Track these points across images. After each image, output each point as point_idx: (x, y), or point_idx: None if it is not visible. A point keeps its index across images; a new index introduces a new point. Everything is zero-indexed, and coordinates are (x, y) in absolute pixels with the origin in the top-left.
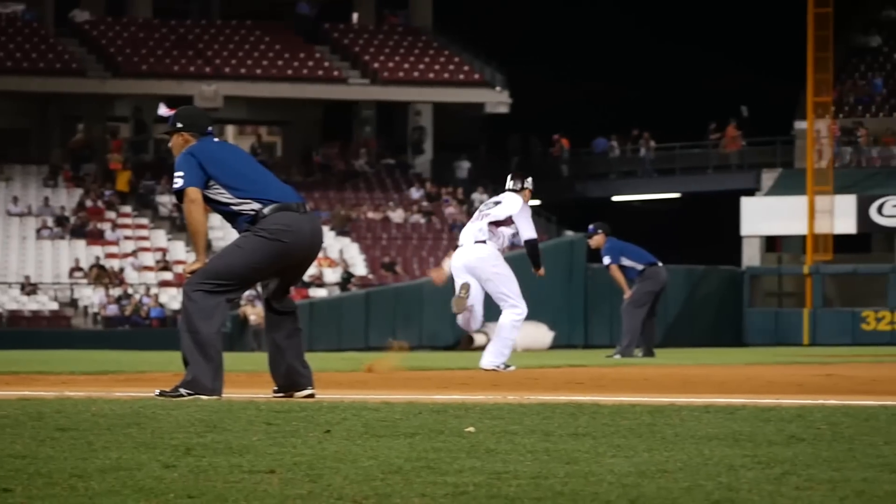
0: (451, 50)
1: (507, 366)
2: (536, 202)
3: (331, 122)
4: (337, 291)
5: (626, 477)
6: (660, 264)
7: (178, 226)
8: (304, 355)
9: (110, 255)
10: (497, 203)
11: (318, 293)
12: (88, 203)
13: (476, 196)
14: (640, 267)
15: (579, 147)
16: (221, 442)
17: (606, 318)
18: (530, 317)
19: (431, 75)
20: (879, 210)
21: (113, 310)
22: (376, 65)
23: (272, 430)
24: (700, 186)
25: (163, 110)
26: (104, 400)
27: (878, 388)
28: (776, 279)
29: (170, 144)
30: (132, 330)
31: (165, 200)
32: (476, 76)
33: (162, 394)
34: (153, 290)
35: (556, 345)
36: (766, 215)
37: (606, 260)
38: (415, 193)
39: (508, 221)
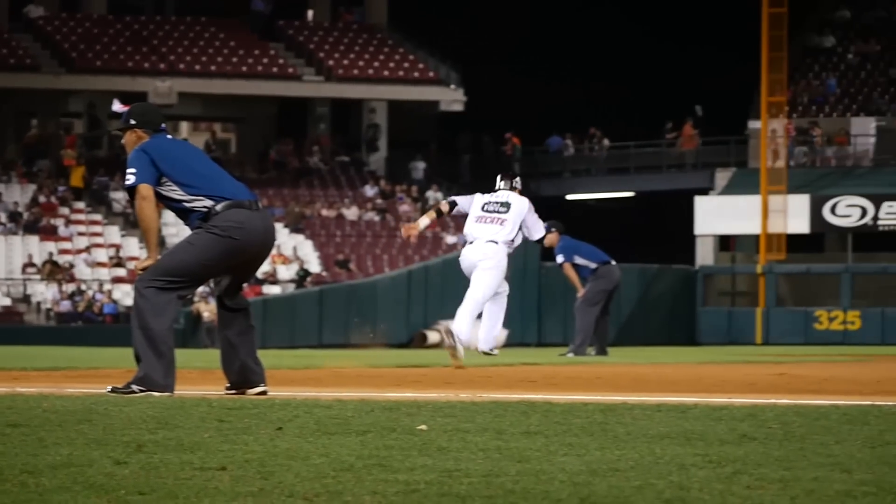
0: (406, 48)
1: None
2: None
3: (285, 120)
4: (291, 288)
5: (577, 475)
6: (613, 263)
7: (131, 222)
8: (256, 352)
9: (64, 251)
10: (506, 204)
11: (271, 290)
12: (42, 199)
13: (430, 194)
14: (593, 265)
15: (533, 145)
16: (173, 439)
17: (560, 317)
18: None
19: (386, 73)
20: (833, 210)
21: (66, 306)
22: (331, 62)
23: (224, 427)
24: (654, 185)
25: (117, 106)
26: (56, 396)
27: (829, 388)
28: (729, 278)
29: (123, 141)
30: (85, 326)
31: (119, 197)
32: (431, 74)
33: (114, 390)
34: (106, 287)
35: (509, 343)
36: (719, 214)
37: (560, 258)
38: (369, 191)
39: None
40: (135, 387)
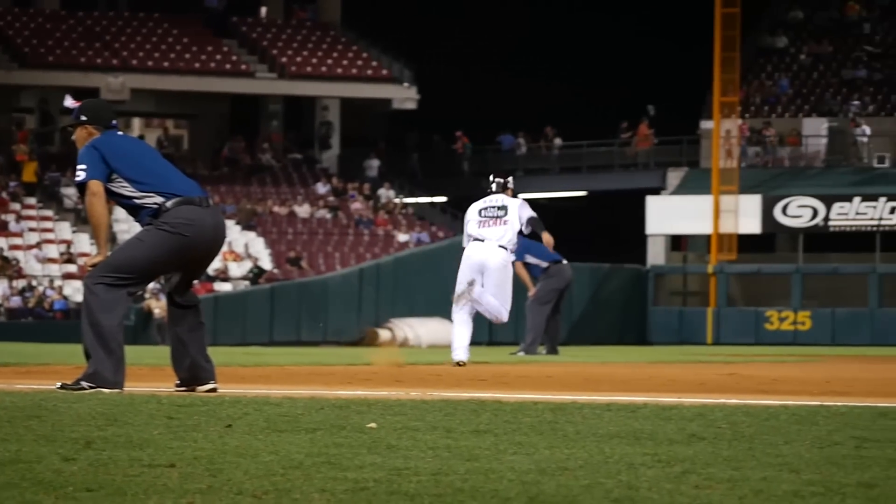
0: (360, 45)
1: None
2: (442, 198)
3: (238, 116)
4: (242, 286)
5: (526, 474)
6: (564, 262)
7: (82, 218)
8: (206, 349)
9: (14, 247)
10: (503, 207)
11: (223, 287)
12: None
13: (383, 192)
14: (544, 264)
15: (486, 144)
16: (122, 435)
17: (511, 316)
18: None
19: (339, 70)
20: (784, 210)
21: (16, 301)
22: (284, 59)
23: (173, 424)
24: (606, 185)
25: (69, 102)
26: (5, 392)
27: (779, 388)
28: (681, 278)
29: (73, 137)
30: (35, 322)
31: (71, 192)
32: (384, 72)
33: (63, 387)
34: (57, 283)
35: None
36: (671, 214)
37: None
38: (321, 188)
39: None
40: (84, 383)
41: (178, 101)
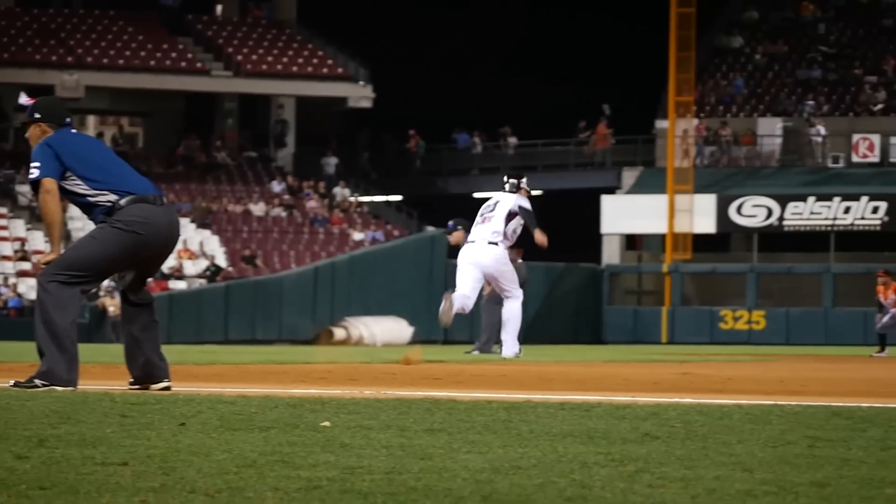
0: (315, 44)
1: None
2: (398, 197)
3: (193, 114)
4: (197, 284)
5: (479, 473)
6: (520, 261)
7: (37, 216)
8: (160, 347)
9: None
10: (494, 204)
11: (177, 285)
12: None
13: (338, 190)
14: None
15: (442, 142)
16: (75, 433)
17: (466, 315)
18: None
19: (295, 69)
20: (738, 210)
21: None
22: (239, 57)
23: (127, 423)
24: (561, 184)
25: (23, 99)
26: None
27: (733, 387)
28: (635, 277)
29: (27, 135)
30: None
31: (25, 190)
32: (339, 70)
33: (17, 384)
34: (11, 280)
35: (415, 340)
36: (626, 214)
37: None
38: (276, 187)
39: (513, 216)
40: (38, 381)
41: (133, 98)
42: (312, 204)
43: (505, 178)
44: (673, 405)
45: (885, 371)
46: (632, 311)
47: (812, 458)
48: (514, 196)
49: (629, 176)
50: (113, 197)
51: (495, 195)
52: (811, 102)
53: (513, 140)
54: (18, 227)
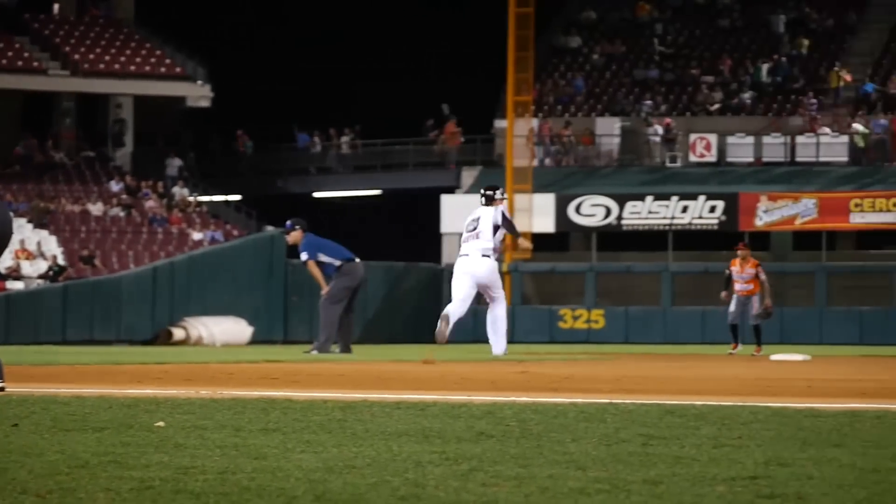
0: (153, 43)
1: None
2: (237, 197)
3: (30, 114)
4: (35, 284)
5: (313, 472)
6: (357, 260)
7: None
8: None
9: None
10: (476, 220)
11: (15, 286)
12: None
13: (177, 190)
14: (337, 263)
15: (281, 142)
16: None
17: (306, 314)
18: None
19: (132, 68)
20: (577, 209)
21: None
22: (77, 56)
23: None
24: (401, 183)
25: None
26: None
27: (569, 386)
28: None
29: None
30: None
31: None
32: (178, 70)
33: None
34: None
35: (255, 340)
36: (465, 213)
37: (304, 256)
38: (115, 186)
39: (497, 228)
40: None
41: None
42: (151, 204)
43: (481, 192)
44: (509, 404)
45: (720, 369)
46: (471, 310)
47: (645, 456)
48: (492, 209)
49: (468, 175)
50: None
51: (475, 210)
52: (648, 102)
53: (352, 139)
54: None
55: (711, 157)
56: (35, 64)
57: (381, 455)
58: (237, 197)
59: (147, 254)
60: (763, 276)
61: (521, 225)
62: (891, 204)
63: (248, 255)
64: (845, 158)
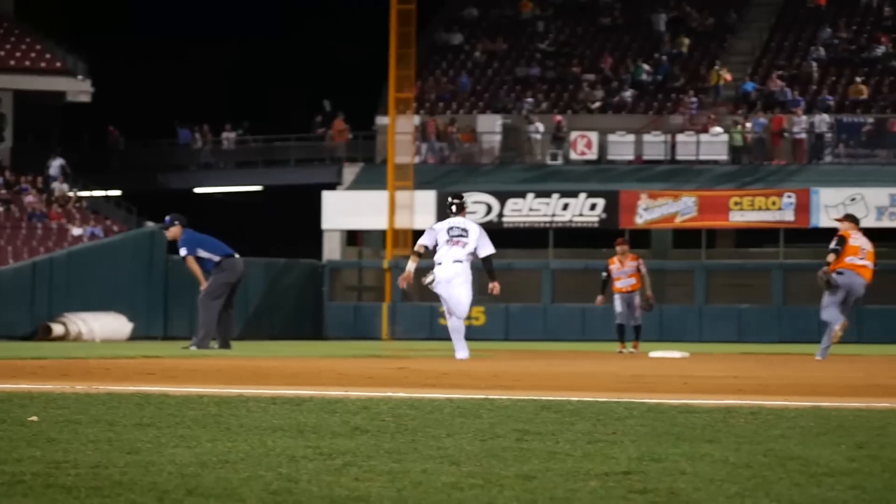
0: (33, 37)
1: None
2: (116, 192)
3: None
4: None
5: (186, 467)
6: (237, 256)
7: None
8: None
9: None
10: (465, 230)
11: None
12: None
13: (56, 185)
14: (216, 259)
15: (162, 137)
16: None
17: (187, 310)
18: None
19: (12, 62)
20: None
21: None
22: None
23: None
24: (282, 179)
25: None
26: None
27: (447, 382)
28: (356, 273)
29: None
30: None
31: None
32: (58, 64)
33: None
34: None
35: (135, 336)
36: (346, 209)
37: (183, 251)
38: None
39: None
40: None
41: None
42: (30, 199)
43: (449, 200)
44: (385, 399)
45: (597, 366)
46: (353, 307)
47: (519, 451)
48: (478, 231)
49: (350, 172)
50: None
51: (458, 220)
52: (530, 100)
53: (233, 135)
54: None
55: (592, 154)
56: None
57: (255, 450)
58: (117, 192)
59: (26, 249)
60: (644, 269)
61: (402, 221)
62: (770, 203)
63: (127, 251)
64: (725, 157)
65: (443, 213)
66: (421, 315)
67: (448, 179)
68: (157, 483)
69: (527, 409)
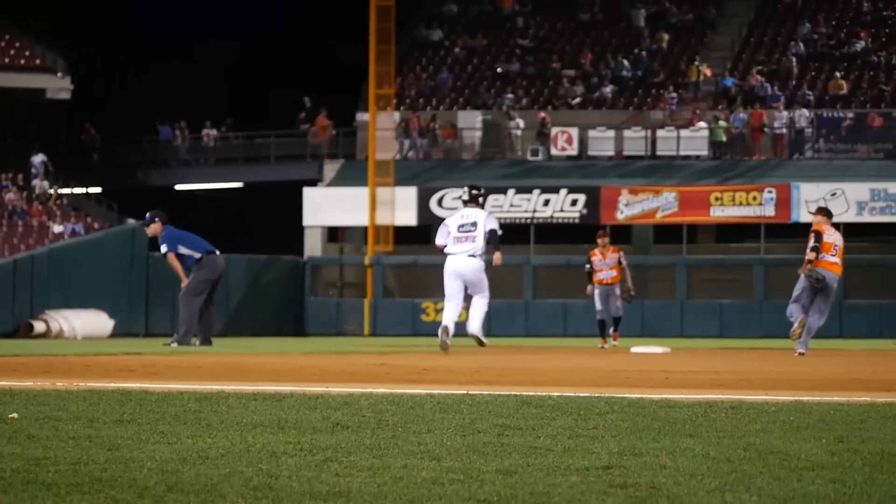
0: (12, 34)
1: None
2: (97, 189)
3: None
4: None
5: (166, 463)
6: (217, 253)
7: None
8: None
9: None
10: (474, 224)
11: None
12: None
13: (37, 183)
14: (197, 255)
15: (143, 134)
16: None
17: (168, 307)
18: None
19: None
20: (440, 202)
21: None
22: None
23: None
24: (263, 176)
25: None
26: None
27: (428, 378)
28: (337, 269)
29: None
30: None
31: None
32: (38, 61)
33: None
34: None
35: (116, 333)
36: (327, 206)
37: (164, 248)
38: None
39: (486, 236)
40: None
41: None
42: (11, 196)
43: (467, 192)
44: (366, 395)
45: (579, 361)
46: (334, 303)
47: (500, 447)
48: (485, 214)
49: (331, 168)
50: None
51: (468, 213)
52: (510, 96)
53: (214, 132)
54: None
55: (573, 150)
56: None
57: (236, 446)
58: (97, 189)
59: (7, 246)
60: (625, 262)
61: (383, 218)
62: (750, 198)
63: (109, 248)
64: (705, 152)
65: (424, 210)
66: (403, 311)
67: (429, 175)
68: (138, 479)
69: (508, 405)
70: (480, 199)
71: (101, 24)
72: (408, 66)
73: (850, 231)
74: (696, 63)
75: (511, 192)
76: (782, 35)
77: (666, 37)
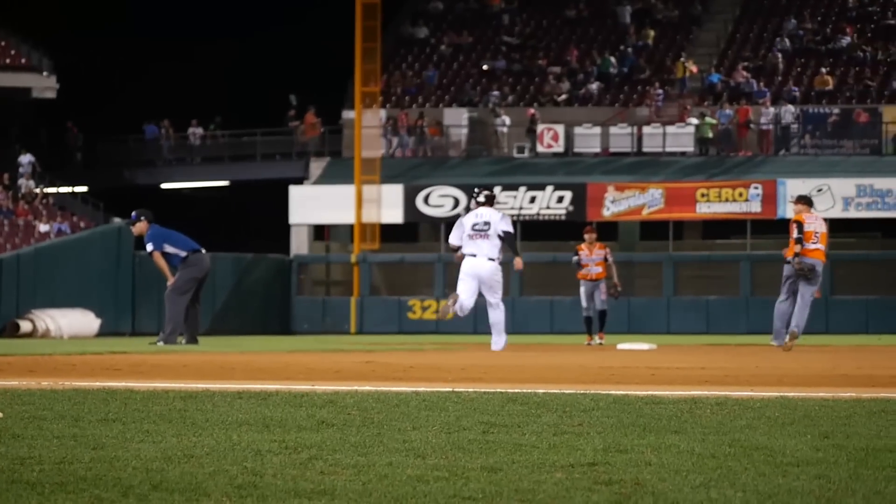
0: None
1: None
2: (83, 188)
3: None
4: None
5: (151, 462)
6: (203, 251)
7: None
8: None
9: None
10: (487, 223)
11: None
12: None
13: (23, 182)
14: (183, 254)
15: (129, 133)
16: None
17: (154, 306)
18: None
19: None
20: (426, 200)
21: None
22: None
23: None
24: (249, 174)
25: None
26: None
27: (413, 375)
28: (324, 267)
29: None
30: None
31: None
32: (23, 60)
33: None
34: None
35: (103, 332)
36: (314, 204)
37: (149, 247)
38: None
39: (501, 238)
40: None
41: None
42: None
43: (479, 193)
44: (351, 393)
45: (565, 358)
46: (321, 301)
47: (485, 444)
48: (500, 216)
49: (317, 166)
50: None
51: (482, 212)
52: (496, 93)
53: (199, 130)
54: None
55: (559, 147)
56: None
57: (221, 444)
58: (83, 189)
59: None
60: (611, 259)
61: (369, 216)
62: (736, 194)
63: (95, 247)
64: (691, 149)
65: (410, 208)
66: (390, 308)
67: (415, 173)
68: (122, 478)
69: (493, 402)
70: (494, 202)
71: (90, 24)
72: (394, 63)
73: (836, 227)
74: (682, 59)
75: (497, 189)
76: (768, 31)
77: (652, 33)
